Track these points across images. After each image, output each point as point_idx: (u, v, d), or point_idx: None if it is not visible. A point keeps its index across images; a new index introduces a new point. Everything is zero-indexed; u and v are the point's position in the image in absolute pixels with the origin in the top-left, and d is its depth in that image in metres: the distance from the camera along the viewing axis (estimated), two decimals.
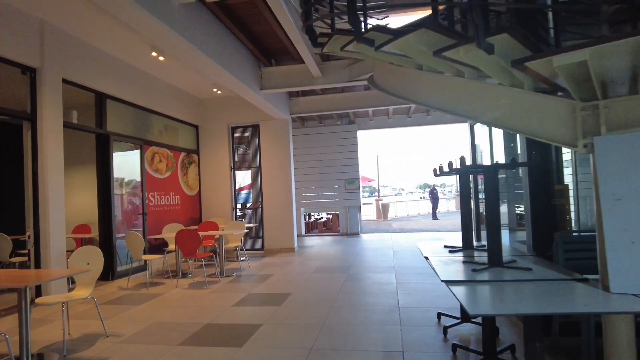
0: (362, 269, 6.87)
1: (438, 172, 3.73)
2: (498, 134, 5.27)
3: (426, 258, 3.33)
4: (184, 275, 7.03)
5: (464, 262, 3.05)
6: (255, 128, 9.80)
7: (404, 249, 8.98)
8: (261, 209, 9.61)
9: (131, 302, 5.35)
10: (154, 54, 6.36)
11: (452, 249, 3.59)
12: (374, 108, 9.28)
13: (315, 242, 11.10)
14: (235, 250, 7.94)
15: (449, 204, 28.55)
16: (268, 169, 9.55)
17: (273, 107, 8.53)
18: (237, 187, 12.44)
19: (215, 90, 8.70)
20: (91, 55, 6.28)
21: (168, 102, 8.52)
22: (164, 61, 6.74)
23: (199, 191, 9.79)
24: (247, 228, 9.15)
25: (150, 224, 7.75)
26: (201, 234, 6.85)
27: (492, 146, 5.41)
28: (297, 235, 12.94)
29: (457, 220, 19.20)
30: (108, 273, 6.65)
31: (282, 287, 5.79)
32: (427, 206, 25.27)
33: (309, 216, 17.16)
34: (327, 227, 15.30)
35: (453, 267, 2.91)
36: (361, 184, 13.45)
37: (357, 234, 12.79)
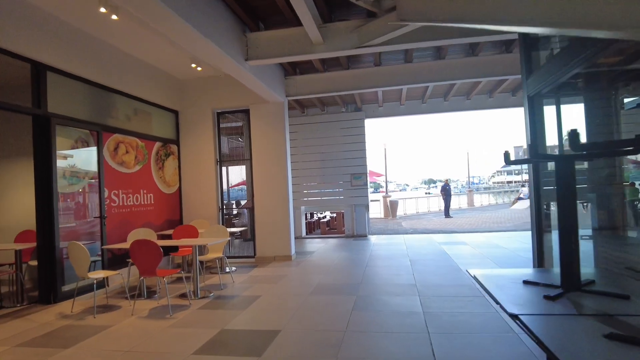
0: (375, 289, 5.36)
1: (514, 158, 2.20)
2: (575, 112, 3.78)
3: (515, 317, 1.80)
4: (150, 294, 5.56)
5: (607, 336, 1.51)
6: (245, 114, 8.28)
7: (422, 257, 7.46)
8: (252, 209, 8.12)
9: (62, 341, 3.88)
10: (103, 10, 4.85)
11: (550, 294, 2.04)
12: (385, 88, 7.74)
13: (317, 247, 9.60)
14: (220, 260, 6.46)
15: (460, 200, 26.99)
16: (260, 162, 8.03)
17: (264, 86, 7.00)
18: (233, 183, 10.99)
19: (194, 66, 7.18)
20: (19, 13, 4.77)
21: (139, 81, 7.03)
22: (118, 21, 5.22)
23: (179, 188, 8.31)
24: (235, 233, 7.68)
25: (112, 230, 6.29)
26: (166, 244, 5.39)
27: (560, 126, 3.87)
28: (297, 238, 11.46)
29: (473, 218, 17.70)
30: (49, 295, 5.19)
31: (269, 320, 4.30)
32: (437, 203, 23.72)
33: (311, 215, 15.69)
34: (330, 228, 13.81)
35: (600, 354, 1.38)
36: (369, 179, 11.92)
37: (364, 236, 11.28)
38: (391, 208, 18.88)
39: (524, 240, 9.17)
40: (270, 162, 7.95)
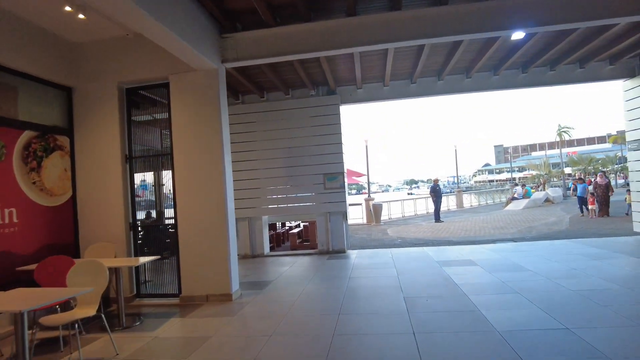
0: None
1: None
2: None
3: None
4: None
5: None
6: (165, 89, 5.80)
7: (421, 291, 5.14)
8: (175, 227, 5.63)
9: None
10: None
11: None
12: (363, 47, 5.39)
13: (279, 272, 7.19)
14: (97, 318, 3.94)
15: (448, 201, 24.94)
16: (184, 157, 5.57)
17: (182, 42, 4.60)
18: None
19: (69, 9, 4.69)
20: None
21: None
22: None
23: (73, 198, 5.77)
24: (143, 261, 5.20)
25: None
26: None
27: None
28: (256, 257, 8.99)
29: (466, 222, 15.37)
30: None
31: None
32: (423, 205, 21.61)
33: (282, 224, 13.29)
34: (303, 240, 11.41)
35: None
36: (346, 180, 9.59)
37: (342, 252, 8.93)
38: (374, 212, 16.61)
39: (549, 255, 6.99)
40: (199, 158, 5.50)
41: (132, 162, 5.85)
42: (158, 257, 5.24)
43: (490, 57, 7.69)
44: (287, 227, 13.19)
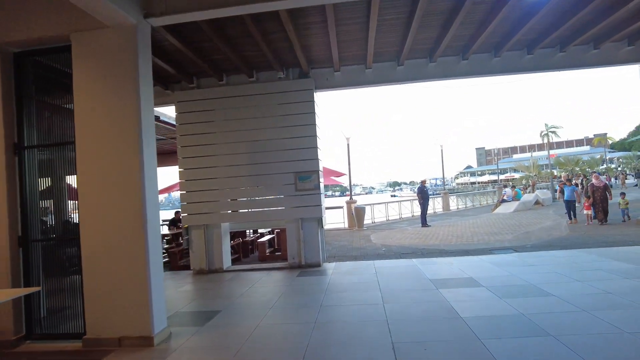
0: None
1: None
2: None
3: None
4: None
5: None
6: (67, 54, 4.25)
7: (417, 331, 3.78)
8: (77, 241, 4.09)
9: None
10: None
11: None
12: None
13: (234, 296, 5.72)
14: None
15: (434, 204, 23.79)
16: (89, 147, 4.04)
17: None
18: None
19: None
20: None
21: None
22: None
23: None
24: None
25: None
26: None
27: None
28: (213, 273, 7.44)
29: (455, 226, 13.93)
30: None
31: None
32: (408, 208, 20.40)
33: (254, 231, 11.82)
34: (274, 249, 9.93)
35: None
36: (322, 180, 8.15)
37: (317, 266, 7.51)
38: (357, 216, 15.24)
39: (566, 271, 5.73)
40: (110, 148, 3.97)
41: (24, 153, 4.29)
42: (37, 288, 3.69)
43: (492, 32, 6.43)
44: (258, 234, 11.72)
